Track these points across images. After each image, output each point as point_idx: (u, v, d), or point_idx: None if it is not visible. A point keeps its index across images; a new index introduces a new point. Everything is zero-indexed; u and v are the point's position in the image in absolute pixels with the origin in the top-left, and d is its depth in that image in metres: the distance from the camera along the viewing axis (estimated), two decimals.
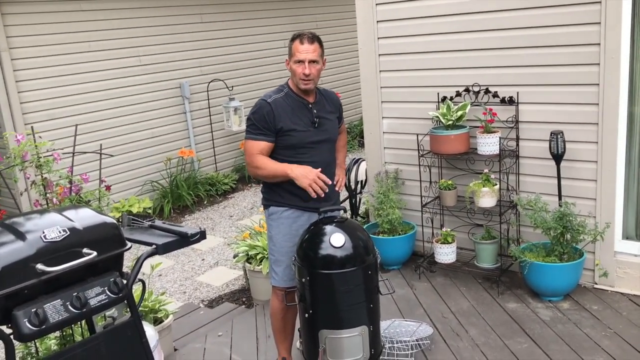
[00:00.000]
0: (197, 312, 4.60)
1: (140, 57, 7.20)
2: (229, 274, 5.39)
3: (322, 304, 2.76)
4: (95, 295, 2.24)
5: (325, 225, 2.80)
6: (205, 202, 7.54)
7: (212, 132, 8.06)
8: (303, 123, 3.05)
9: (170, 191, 7.34)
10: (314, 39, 3.01)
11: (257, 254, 4.33)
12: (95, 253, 2.17)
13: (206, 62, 7.88)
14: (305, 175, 2.87)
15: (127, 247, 2.43)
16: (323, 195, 2.88)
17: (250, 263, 4.38)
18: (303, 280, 2.77)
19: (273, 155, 3.04)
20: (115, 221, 2.44)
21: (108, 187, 3.33)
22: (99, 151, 3.51)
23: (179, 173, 7.53)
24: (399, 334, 3.53)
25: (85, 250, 2.14)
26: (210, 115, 8.00)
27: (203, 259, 5.88)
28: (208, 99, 7.93)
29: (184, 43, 7.61)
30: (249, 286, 4.70)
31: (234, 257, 4.74)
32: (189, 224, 6.87)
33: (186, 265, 5.77)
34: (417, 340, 3.48)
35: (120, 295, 2.33)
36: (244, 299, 4.83)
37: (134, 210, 6.85)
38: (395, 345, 3.44)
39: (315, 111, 3.10)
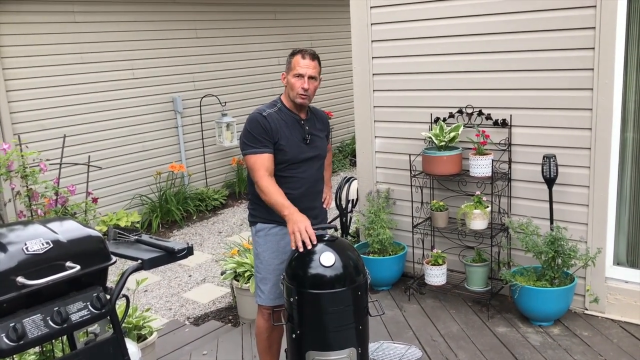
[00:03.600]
0: (182, 330, 4.51)
1: (134, 71, 7.16)
2: (216, 291, 5.31)
3: (310, 324, 2.70)
4: (77, 310, 2.18)
5: (315, 244, 2.75)
6: (194, 218, 7.47)
7: (203, 147, 8.02)
8: (296, 139, 3.04)
9: (159, 206, 7.27)
10: (315, 56, 3.04)
11: (245, 271, 4.27)
12: (78, 267, 2.11)
13: (199, 77, 7.86)
14: (296, 222, 2.73)
15: (112, 261, 2.38)
16: (301, 249, 2.70)
17: (237, 280, 4.31)
18: (291, 299, 2.71)
19: None
20: (100, 234, 2.39)
21: (95, 200, 3.27)
22: (86, 163, 3.45)
23: (169, 188, 7.47)
24: (387, 357, 3.47)
25: (68, 263, 2.08)
26: (202, 130, 7.97)
27: (190, 275, 5.80)
28: (200, 114, 7.90)
29: (177, 57, 7.59)
30: (236, 304, 4.63)
31: (222, 274, 4.67)
32: (177, 240, 6.79)
33: (173, 281, 5.68)
34: None
35: (103, 311, 2.28)
36: (230, 317, 4.76)
37: (122, 224, 6.78)
38: None
39: (307, 127, 3.09)
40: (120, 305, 3.47)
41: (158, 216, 7.16)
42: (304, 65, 2.97)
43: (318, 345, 2.70)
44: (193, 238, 6.85)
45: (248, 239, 4.88)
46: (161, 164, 7.51)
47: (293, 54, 3.03)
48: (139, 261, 2.52)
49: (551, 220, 3.92)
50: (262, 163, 2.94)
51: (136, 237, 2.75)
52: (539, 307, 3.81)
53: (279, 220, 2.93)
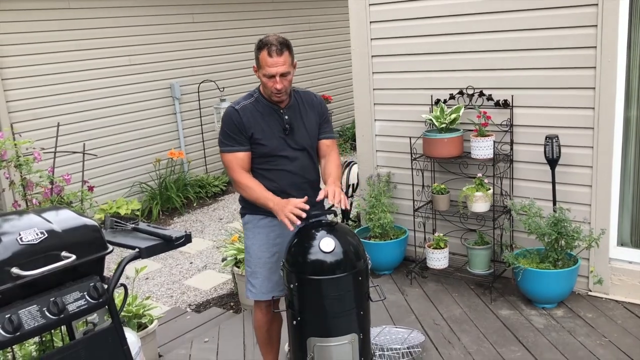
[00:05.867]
0: (183, 317, 4.49)
1: (130, 57, 7.09)
2: (217, 278, 5.29)
3: (311, 310, 2.67)
4: (74, 300, 2.16)
5: (314, 230, 2.71)
6: (194, 205, 7.43)
7: (202, 133, 7.96)
8: (274, 130, 2.86)
9: (159, 193, 7.23)
10: (283, 47, 2.73)
11: None
12: (74, 257, 2.07)
13: (197, 63, 7.78)
14: (282, 209, 2.68)
15: (109, 250, 2.36)
16: (299, 222, 2.65)
17: (238, 267, 4.28)
18: (291, 286, 2.67)
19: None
20: (96, 223, 2.36)
21: (91, 188, 3.24)
22: (82, 151, 3.41)
23: (169, 175, 7.43)
24: (390, 342, 3.44)
25: (64, 253, 2.05)
26: (201, 117, 7.90)
27: (191, 262, 5.77)
28: (199, 100, 7.84)
29: (174, 43, 7.51)
30: (237, 290, 4.60)
31: (223, 261, 4.64)
32: (177, 227, 6.77)
33: (174, 268, 5.66)
34: (408, 348, 3.40)
35: (101, 300, 2.26)
36: (232, 304, 4.73)
37: (122, 212, 6.74)
38: (385, 353, 3.36)
39: (286, 117, 2.88)
40: (119, 294, 3.45)
41: (158, 203, 7.12)
42: (273, 63, 2.71)
43: (319, 332, 2.67)
44: (194, 225, 6.82)
45: None
46: (160, 151, 7.45)
47: (259, 48, 2.75)
48: (137, 250, 2.49)
49: (554, 201, 3.88)
50: (236, 162, 2.85)
51: (133, 225, 2.72)
52: (542, 290, 3.78)
53: (267, 211, 2.84)
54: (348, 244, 2.70)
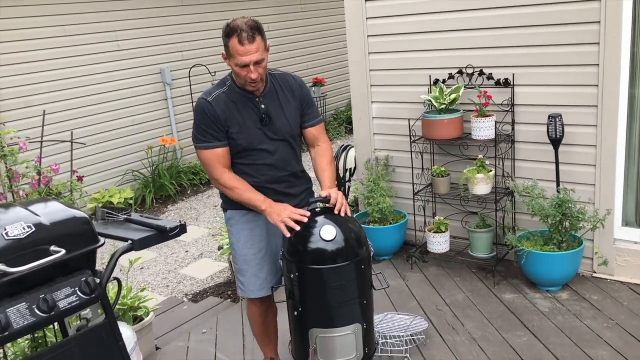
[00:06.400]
0: (180, 307, 4.40)
1: (118, 42, 6.92)
2: (213, 266, 5.19)
3: (312, 301, 2.58)
4: (65, 296, 2.07)
5: (314, 217, 2.61)
6: (188, 192, 7.32)
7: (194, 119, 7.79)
8: (250, 122, 2.64)
9: (152, 181, 7.11)
10: (254, 32, 2.48)
11: None
12: (63, 251, 1.97)
13: (187, 47, 7.62)
14: (279, 214, 2.56)
15: (100, 243, 2.27)
16: (298, 227, 2.54)
17: None
18: (291, 276, 2.57)
19: None
20: (86, 215, 2.26)
21: (80, 178, 3.11)
22: (69, 140, 3.28)
23: (161, 162, 7.30)
24: (392, 329, 3.36)
25: (52, 247, 1.95)
26: (192, 102, 7.75)
27: (187, 251, 5.67)
28: (190, 85, 7.68)
29: (164, 27, 7.34)
30: (234, 279, 4.51)
31: (219, 249, 4.55)
32: (171, 215, 6.66)
33: (169, 257, 5.56)
34: (411, 335, 3.32)
35: (93, 295, 2.17)
36: (229, 292, 4.64)
37: (115, 200, 6.63)
38: (388, 341, 3.28)
39: (262, 106, 2.65)
40: (112, 287, 3.35)
41: (151, 191, 7.01)
42: (245, 52, 2.46)
43: (321, 322, 2.58)
44: (188, 212, 6.71)
45: None
46: (152, 138, 7.32)
47: (227, 34, 2.51)
48: (129, 242, 2.40)
49: (557, 182, 3.79)
50: (216, 159, 2.64)
51: (125, 216, 2.62)
52: (546, 272, 3.70)
53: None
54: (349, 231, 2.60)
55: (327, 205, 2.66)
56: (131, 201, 6.81)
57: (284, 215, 2.56)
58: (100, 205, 3.63)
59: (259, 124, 2.66)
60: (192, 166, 7.57)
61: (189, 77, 7.64)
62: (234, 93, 2.65)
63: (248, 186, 2.67)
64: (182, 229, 2.50)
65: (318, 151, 2.84)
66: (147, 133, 7.30)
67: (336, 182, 2.85)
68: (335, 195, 2.64)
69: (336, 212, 2.62)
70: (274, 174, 2.74)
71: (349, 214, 2.66)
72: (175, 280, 5.07)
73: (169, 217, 6.58)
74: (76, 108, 6.58)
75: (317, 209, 2.67)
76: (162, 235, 2.46)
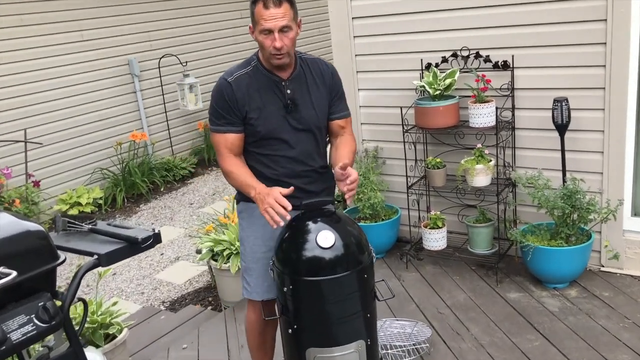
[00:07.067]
0: (157, 317, 4.04)
1: (82, 32, 6.46)
2: (191, 270, 4.83)
3: (309, 317, 2.26)
4: (19, 326, 1.79)
5: (309, 221, 2.28)
6: (162, 189, 6.92)
7: (166, 112, 7.40)
8: (273, 107, 2.40)
9: (122, 179, 6.69)
10: None
11: (224, 249, 3.79)
12: (14, 273, 1.66)
13: (156, 36, 7.18)
14: (264, 199, 2.25)
15: (60, 260, 1.97)
16: (275, 226, 2.23)
17: (215, 260, 3.84)
18: (284, 289, 2.25)
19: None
20: (42, 229, 1.93)
21: (36, 183, 2.73)
22: (23, 139, 2.89)
23: (132, 159, 6.87)
24: (393, 337, 3.07)
25: (2, 269, 1.65)
26: (163, 94, 7.33)
27: (162, 254, 5.30)
28: (160, 76, 7.26)
29: (130, 15, 6.88)
30: (215, 284, 4.17)
31: (198, 253, 4.19)
32: (144, 214, 6.27)
33: (143, 261, 5.18)
34: (414, 345, 3.03)
35: (53, 323, 1.86)
36: (210, 299, 4.30)
37: (83, 201, 6.22)
38: (389, 352, 2.98)
39: (288, 91, 2.41)
40: (78, 307, 2.98)
41: (122, 190, 6.59)
42: (270, 16, 2.25)
43: (320, 341, 2.27)
44: (162, 211, 6.32)
45: (224, 212, 4.39)
46: (121, 134, 6.88)
47: (253, 1, 2.31)
48: (95, 257, 2.08)
49: (563, 171, 3.51)
50: (225, 145, 2.43)
51: (91, 225, 2.28)
52: (554, 269, 3.44)
53: None
54: (349, 236, 2.28)
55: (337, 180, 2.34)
56: (101, 201, 6.40)
57: (269, 200, 2.23)
58: (60, 213, 3.25)
59: (282, 110, 2.42)
60: (165, 162, 7.17)
61: (159, 68, 7.21)
62: (258, 74, 2.42)
63: (246, 172, 2.42)
64: (156, 238, 2.19)
65: (341, 140, 2.56)
66: (115, 128, 6.86)
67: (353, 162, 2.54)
68: (353, 175, 2.31)
69: (344, 189, 2.31)
70: (294, 167, 2.48)
71: (349, 202, 2.38)
72: (150, 287, 4.71)
73: (141, 217, 6.19)
74: (35, 104, 6.10)
75: (311, 210, 2.34)
76: (133, 247, 2.16)
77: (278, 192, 2.24)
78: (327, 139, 2.64)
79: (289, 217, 2.23)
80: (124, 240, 2.14)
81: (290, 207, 2.22)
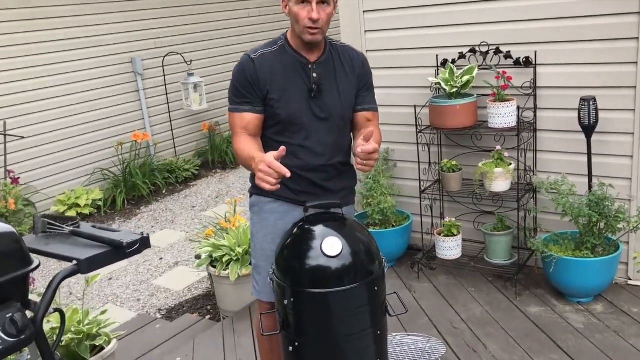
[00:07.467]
0: (152, 326, 3.80)
1: (86, 28, 6.26)
2: (190, 277, 4.60)
3: (313, 333, 2.01)
4: None
5: (313, 226, 2.05)
6: (163, 191, 6.70)
7: (169, 112, 7.19)
8: (296, 90, 2.22)
9: (123, 180, 6.47)
10: None
11: (223, 255, 3.56)
12: None
13: (160, 34, 6.98)
14: (257, 166, 1.97)
15: (33, 266, 1.78)
16: (270, 187, 1.93)
17: (215, 267, 3.61)
18: (285, 301, 2.01)
19: None
20: (13, 230, 1.74)
21: (15, 180, 2.51)
22: (1, 132, 2.67)
23: (133, 159, 6.66)
24: (404, 355, 2.82)
25: None
26: (167, 94, 7.13)
27: (161, 258, 5.08)
28: (164, 75, 7.05)
29: (134, 12, 6.68)
30: (214, 291, 3.93)
31: (197, 259, 3.96)
32: (145, 217, 6.05)
33: (141, 266, 4.96)
34: None
35: (23, 337, 1.64)
36: (209, 307, 4.07)
37: (82, 202, 6.02)
38: None
39: (314, 75, 2.22)
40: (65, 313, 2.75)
41: (122, 192, 6.37)
42: None
43: None
44: (163, 214, 6.10)
45: (225, 215, 4.15)
46: (123, 133, 6.68)
47: None
48: (74, 262, 1.85)
49: (590, 176, 3.26)
50: (240, 124, 2.23)
51: (72, 227, 2.06)
52: (579, 281, 3.18)
53: (279, 194, 2.22)
54: (358, 243, 2.04)
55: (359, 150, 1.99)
56: (100, 203, 6.19)
57: (262, 167, 1.93)
58: (39, 214, 3.04)
59: (306, 94, 2.22)
60: (168, 163, 6.95)
61: (163, 66, 7.01)
62: (284, 54, 2.23)
63: (253, 146, 2.17)
64: (143, 243, 1.96)
65: (366, 130, 2.23)
66: (117, 128, 6.65)
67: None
68: (372, 145, 1.98)
69: (360, 151, 1.98)
70: (311, 160, 2.27)
71: (364, 169, 2.05)
72: (147, 293, 4.48)
73: (141, 220, 5.97)
74: (36, 101, 5.92)
75: (317, 211, 2.11)
76: (117, 252, 1.94)
77: (271, 156, 1.95)
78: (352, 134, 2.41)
79: (288, 175, 1.92)
80: (108, 245, 1.92)
81: (287, 174, 1.91)
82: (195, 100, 6.98)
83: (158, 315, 4.08)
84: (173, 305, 4.23)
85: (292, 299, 1.99)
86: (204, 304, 4.15)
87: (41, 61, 5.93)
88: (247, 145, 2.18)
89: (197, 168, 7.23)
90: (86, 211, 6.00)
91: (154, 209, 6.28)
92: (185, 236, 5.48)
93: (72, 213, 5.88)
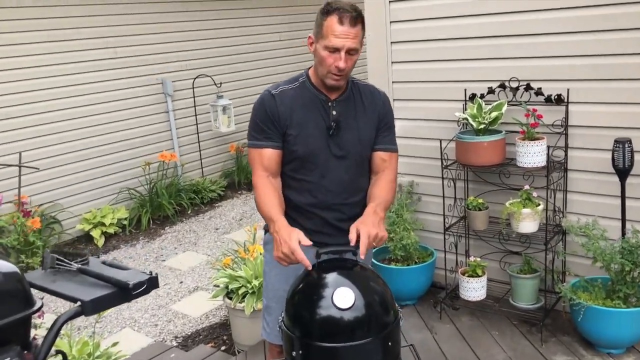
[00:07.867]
0: (167, 355, 3.75)
1: (116, 50, 6.34)
2: (209, 303, 4.53)
3: None
4: None
5: (325, 274, 1.96)
6: (188, 212, 6.70)
7: (197, 133, 7.21)
8: (314, 127, 2.20)
9: (149, 200, 6.49)
10: (358, 17, 2.09)
11: (239, 287, 3.49)
12: None
13: (191, 56, 7.03)
14: (280, 245, 2.00)
15: (35, 308, 1.73)
16: (284, 264, 2.03)
17: (230, 299, 3.54)
18: (293, 353, 1.93)
19: None
20: (16, 269, 1.70)
21: (27, 213, 2.49)
22: (18, 164, 2.67)
23: (160, 179, 6.68)
24: None
25: None
26: (196, 115, 7.15)
27: (181, 282, 5.04)
28: (193, 97, 7.09)
29: (165, 34, 6.75)
30: (230, 321, 3.87)
31: (215, 287, 3.91)
32: (168, 238, 6.04)
33: (161, 289, 4.92)
34: None
35: None
36: (224, 338, 4.00)
37: (107, 221, 6.05)
38: None
39: (334, 112, 2.21)
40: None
41: (148, 211, 6.39)
42: (342, 33, 2.06)
43: None
44: (186, 236, 6.08)
45: (244, 244, 4.10)
46: (150, 153, 6.71)
47: (327, 12, 2.09)
48: (78, 303, 1.80)
49: (623, 221, 3.11)
50: (260, 161, 2.22)
51: (81, 264, 2.01)
52: (610, 332, 3.02)
53: None
54: (372, 294, 1.94)
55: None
56: (125, 222, 6.20)
57: (284, 250, 1.98)
58: (49, 249, 3.02)
59: (324, 131, 2.22)
60: (194, 184, 6.96)
61: (193, 88, 7.04)
62: (305, 91, 2.25)
63: (272, 201, 2.15)
64: (151, 283, 1.90)
65: (380, 177, 2.30)
66: (146, 148, 6.69)
67: (383, 216, 2.15)
68: (364, 231, 1.98)
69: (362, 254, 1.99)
70: (325, 198, 2.25)
71: (362, 255, 2.00)
72: (165, 319, 4.44)
73: (165, 241, 5.96)
74: (65, 120, 5.99)
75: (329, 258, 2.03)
76: (123, 293, 1.87)
77: (297, 243, 1.96)
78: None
79: (310, 268, 1.93)
80: (114, 285, 1.86)
81: (309, 267, 1.94)
82: (223, 122, 6.99)
83: (174, 343, 4.03)
84: (189, 333, 4.17)
85: (300, 352, 1.91)
86: (220, 334, 4.08)
87: (70, 82, 5.98)
88: (268, 198, 2.15)
89: (223, 189, 7.22)
90: (111, 230, 6.02)
91: (178, 229, 6.27)
92: (206, 259, 5.44)
93: (97, 232, 5.91)
